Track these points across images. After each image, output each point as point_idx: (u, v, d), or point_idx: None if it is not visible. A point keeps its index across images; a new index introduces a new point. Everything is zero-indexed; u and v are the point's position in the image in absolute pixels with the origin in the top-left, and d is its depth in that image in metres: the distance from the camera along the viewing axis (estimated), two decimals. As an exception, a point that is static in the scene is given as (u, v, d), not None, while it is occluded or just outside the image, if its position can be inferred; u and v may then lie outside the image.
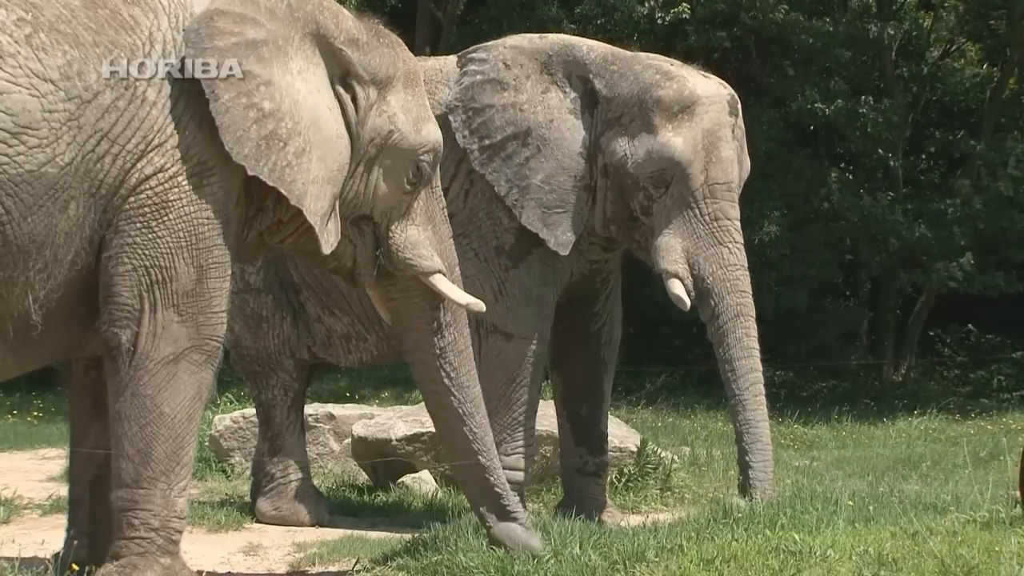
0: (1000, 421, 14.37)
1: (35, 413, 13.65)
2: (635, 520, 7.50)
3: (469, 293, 7.19)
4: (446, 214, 6.02)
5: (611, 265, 7.73)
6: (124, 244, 4.91)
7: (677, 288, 6.95)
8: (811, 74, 17.40)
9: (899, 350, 18.19)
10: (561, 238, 7.19)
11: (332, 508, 8.05)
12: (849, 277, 19.02)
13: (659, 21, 16.37)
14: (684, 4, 16.36)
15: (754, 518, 6.00)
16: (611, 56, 7.36)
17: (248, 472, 8.79)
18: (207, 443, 9.58)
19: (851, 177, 18.15)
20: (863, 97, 16.80)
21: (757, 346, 7.05)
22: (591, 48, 7.43)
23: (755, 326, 7.08)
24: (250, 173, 5.06)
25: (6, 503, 7.96)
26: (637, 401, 14.38)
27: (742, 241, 7.12)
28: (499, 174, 7.19)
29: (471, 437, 5.94)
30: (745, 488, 6.84)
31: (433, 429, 8.82)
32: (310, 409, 9.50)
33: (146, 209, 4.91)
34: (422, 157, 5.65)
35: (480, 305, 6.06)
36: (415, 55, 5.96)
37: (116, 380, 5.02)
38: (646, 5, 16.42)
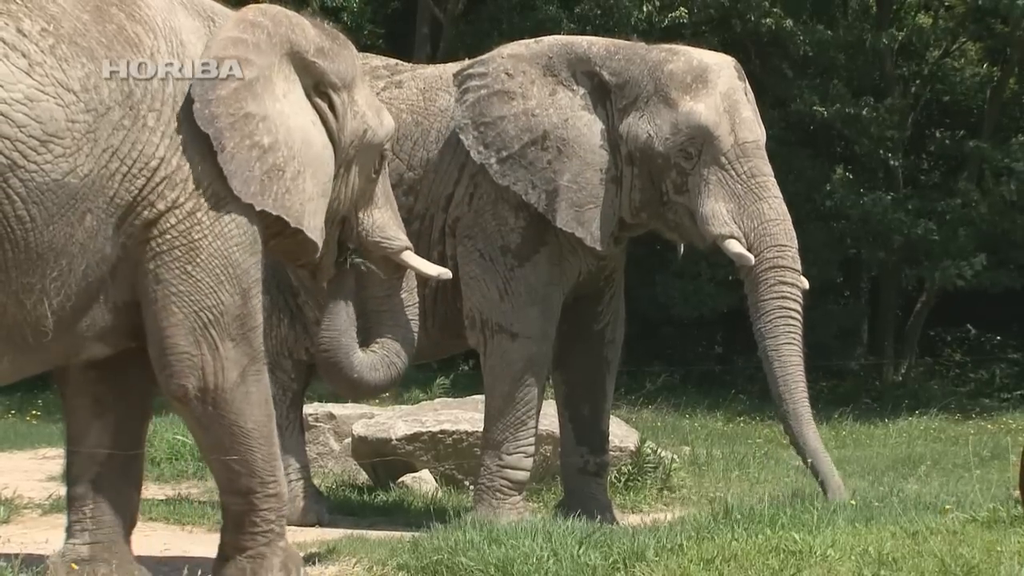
0: (1000, 421, 14.38)
1: (35, 413, 13.64)
2: (635, 520, 7.50)
3: (474, 293, 7.25)
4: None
5: (616, 262, 7.72)
6: (170, 295, 5.05)
7: (736, 247, 6.95)
8: (809, 76, 17.39)
9: (899, 350, 18.19)
10: (597, 234, 7.17)
11: (332, 508, 8.04)
12: (849, 276, 19.01)
13: (656, 23, 16.39)
14: (681, 8, 16.40)
15: (754, 518, 6.00)
16: (612, 47, 7.38)
17: (248, 472, 8.77)
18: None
19: (851, 177, 18.14)
20: (863, 98, 16.80)
21: (792, 290, 6.99)
22: (591, 43, 7.44)
23: (794, 275, 7.00)
24: (258, 209, 5.20)
25: (6, 503, 7.93)
26: (637, 401, 14.38)
27: (780, 196, 7.10)
28: (524, 182, 7.16)
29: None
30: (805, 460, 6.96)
31: (434, 429, 8.90)
32: (310, 409, 9.49)
33: (177, 253, 5.03)
34: (386, 146, 5.98)
35: (447, 273, 6.46)
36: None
37: (194, 419, 5.29)
38: (644, 9, 16.46)
